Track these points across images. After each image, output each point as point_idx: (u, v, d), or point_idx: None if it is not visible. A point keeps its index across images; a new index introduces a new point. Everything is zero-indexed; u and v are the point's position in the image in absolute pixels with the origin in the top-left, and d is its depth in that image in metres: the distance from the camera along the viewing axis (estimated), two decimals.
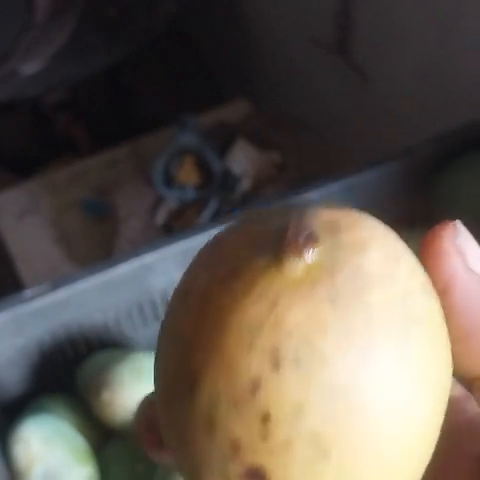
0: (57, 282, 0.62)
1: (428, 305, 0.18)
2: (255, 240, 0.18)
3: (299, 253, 0.17)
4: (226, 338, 0.17)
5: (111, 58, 1.09)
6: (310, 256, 0.17)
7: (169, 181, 0.88)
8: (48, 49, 1.06)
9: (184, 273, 0.19)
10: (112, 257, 0.85)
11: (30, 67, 1.05)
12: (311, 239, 0.17)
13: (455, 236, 0.19)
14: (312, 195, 0.68)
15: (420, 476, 0.19)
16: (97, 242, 0.89)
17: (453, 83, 0.78)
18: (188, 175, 0.88)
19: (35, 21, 1.04)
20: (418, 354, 0.17)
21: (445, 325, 0.19)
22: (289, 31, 1.03)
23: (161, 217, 0.88)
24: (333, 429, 0.16)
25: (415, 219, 0.74)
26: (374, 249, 0.18)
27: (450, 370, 0.19)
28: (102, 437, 0.63)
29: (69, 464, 0.57)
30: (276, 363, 0.16)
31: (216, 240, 0.19)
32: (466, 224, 0.19)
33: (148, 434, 0.21)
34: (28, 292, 0.61)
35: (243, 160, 0.88)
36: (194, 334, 0.17)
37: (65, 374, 0.66)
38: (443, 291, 0.19)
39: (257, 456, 0.16)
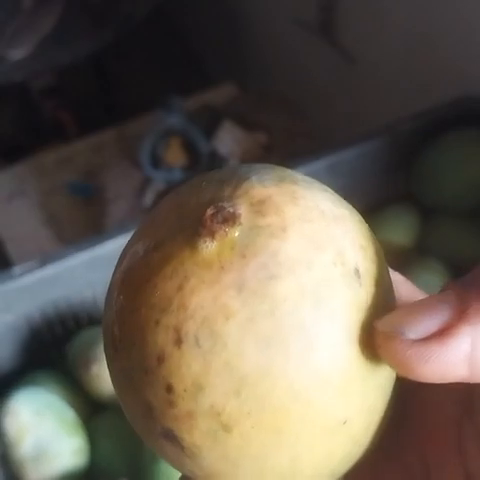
0: (45, 259, 0.63)
1: (348, 294, 0.17)
2: (185, 212, 0.18)
3: (212, 235, 0.17)
4: (137, 313, 0.17)
5: (96, 44, 1.10)
6: (222, 238, 0.17)
7: (156, 162, 0.89)
8: (34, 35, 1.07)
9: (130, 238, 0.20)
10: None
11: (17, 53, 1.06)
12: (227, 221, 0.17)
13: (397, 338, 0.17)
14: None
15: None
16: (85, 223, 0.90)
17: (438, 63, 0.79)
18: (175, 156, 0.89)
19: (22, 7, 1.05)
20: (322, 349, 0.17)
21: (367, 315, 0.18)
22: (274, 12, 1.04)
23: (149, 198, 0.88)
24: (232, 407, 0.17)
25: (397, 196, 0.75)
26: (295, 234, 0.17)
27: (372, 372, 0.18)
28: (91, 410, 0.64)
29: (59, 435, 0.57)
30: (178, 341, 0.17)
31: (155, 209, 0.19)
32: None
33: None
34: (17, 269, 0.62)
35: (229, 141, 0.89)
36: (117, 303, 0.18)
37: (55, 350, 0.66)
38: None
39: (166, 420, 0.17)
